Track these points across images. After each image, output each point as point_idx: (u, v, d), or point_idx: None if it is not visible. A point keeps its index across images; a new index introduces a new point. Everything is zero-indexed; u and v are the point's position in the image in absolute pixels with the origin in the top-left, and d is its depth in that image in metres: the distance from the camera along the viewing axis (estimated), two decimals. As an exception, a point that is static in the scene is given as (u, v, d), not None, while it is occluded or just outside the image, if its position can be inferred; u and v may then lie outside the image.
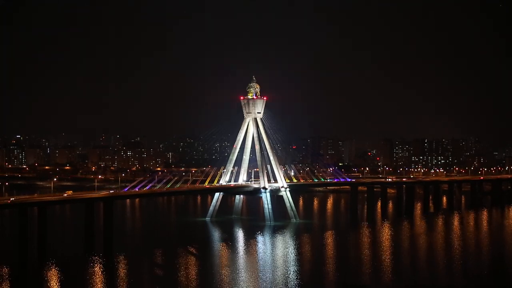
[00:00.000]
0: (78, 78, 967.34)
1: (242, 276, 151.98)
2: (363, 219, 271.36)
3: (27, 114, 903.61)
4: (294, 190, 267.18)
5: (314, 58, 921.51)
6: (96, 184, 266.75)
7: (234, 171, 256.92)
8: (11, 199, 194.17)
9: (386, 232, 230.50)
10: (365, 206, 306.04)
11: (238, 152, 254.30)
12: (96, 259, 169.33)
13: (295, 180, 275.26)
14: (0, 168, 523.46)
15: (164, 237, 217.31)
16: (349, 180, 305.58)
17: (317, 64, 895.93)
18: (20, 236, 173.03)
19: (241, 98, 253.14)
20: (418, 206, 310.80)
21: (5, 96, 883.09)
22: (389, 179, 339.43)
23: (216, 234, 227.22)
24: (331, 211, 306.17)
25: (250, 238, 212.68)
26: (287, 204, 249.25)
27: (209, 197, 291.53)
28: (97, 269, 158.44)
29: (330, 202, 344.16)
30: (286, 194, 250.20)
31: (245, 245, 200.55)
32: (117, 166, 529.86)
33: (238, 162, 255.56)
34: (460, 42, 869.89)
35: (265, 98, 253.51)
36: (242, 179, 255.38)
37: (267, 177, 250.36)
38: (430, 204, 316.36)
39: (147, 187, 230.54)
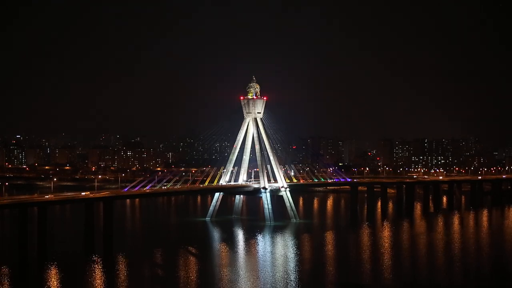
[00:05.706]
0: (78, 78, 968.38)
1: (242, 276, 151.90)
2: (363, 219, 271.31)
3: (27, 114, 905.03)
4: (294, 190, 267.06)
5: (314, 58, 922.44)
6: (96, 184, 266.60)
7: (234, 171, 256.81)
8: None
9: (386, 232, 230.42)
10: (365, 206, 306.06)
11: (238, 152, 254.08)
12: (96, 259, 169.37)
13: (295, 180, 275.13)
14: (0, 168, 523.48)
15: (164, 237, 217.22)
16: (349, 180, 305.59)
17: (317, 63, 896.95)
18: (20, 236, 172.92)
19: (241, 98, 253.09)
20: (418, 206, 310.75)
21: (5, 96, 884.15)
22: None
23: (216, 234, 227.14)
24: (331, 211, 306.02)
25: (250, 238, 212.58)
26: (287, 204, 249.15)
27: (209, 197, 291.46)
28: (97, 269, 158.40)
29: (330, 202, 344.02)
30: (286, 194, 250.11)
31: (245, 245, 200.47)
32: (117, 166, 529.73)
33: (238, 162, 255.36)
34: (460, 42, 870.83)
35: (265, 98, 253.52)
36: (242, 179, 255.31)
37: (267, 177, 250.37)
38: (430, 204, 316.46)
39: (147, 187, 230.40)
